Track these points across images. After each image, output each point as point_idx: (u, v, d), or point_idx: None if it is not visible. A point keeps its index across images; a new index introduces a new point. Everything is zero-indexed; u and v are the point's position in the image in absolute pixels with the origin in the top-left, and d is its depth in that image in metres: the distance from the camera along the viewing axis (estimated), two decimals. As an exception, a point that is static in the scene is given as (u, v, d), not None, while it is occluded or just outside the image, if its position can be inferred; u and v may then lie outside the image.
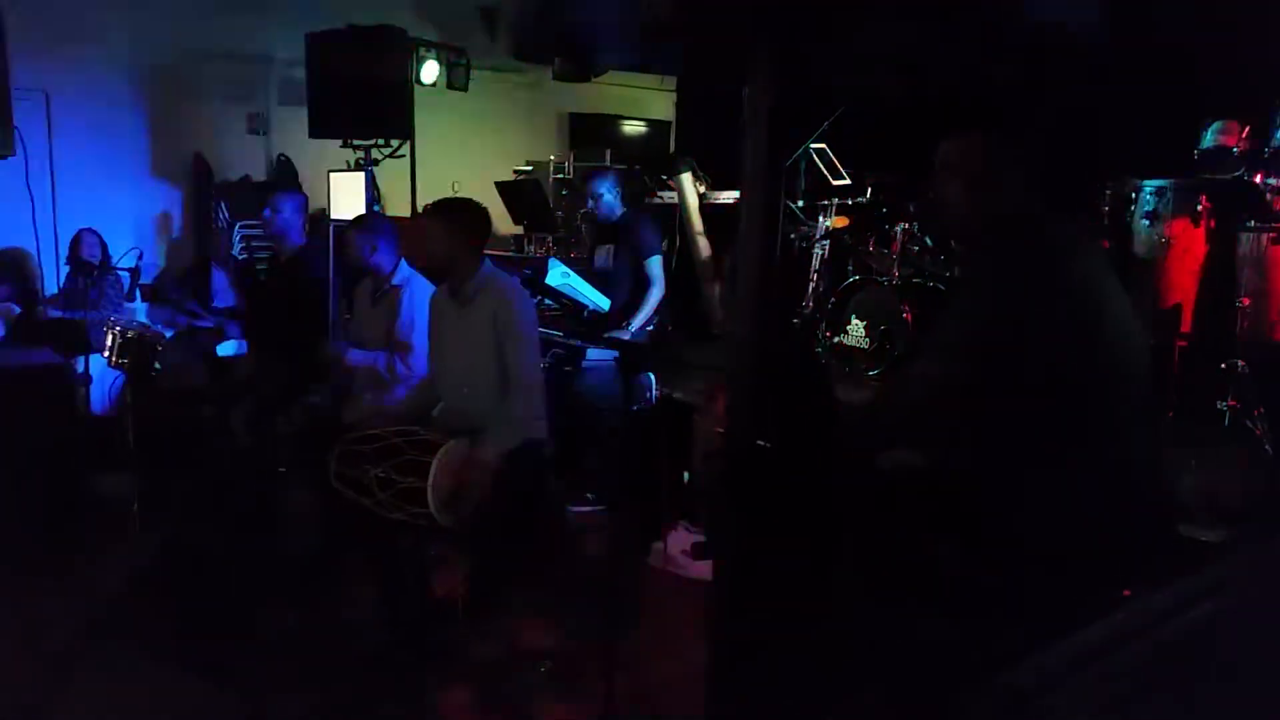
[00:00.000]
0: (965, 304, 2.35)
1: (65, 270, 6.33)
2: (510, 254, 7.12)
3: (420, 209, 7.25)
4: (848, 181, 5.29)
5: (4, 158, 4.21)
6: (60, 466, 4.68)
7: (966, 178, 2.36)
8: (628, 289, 5.03)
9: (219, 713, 3.04)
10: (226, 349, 5.99)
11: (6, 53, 4.33)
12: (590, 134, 9.05)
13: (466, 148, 8.20)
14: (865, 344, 4.73)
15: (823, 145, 5.34)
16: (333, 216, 5.31)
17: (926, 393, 2.18)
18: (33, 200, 5.02)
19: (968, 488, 2.01)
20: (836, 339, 4.84)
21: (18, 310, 6.16)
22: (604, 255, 5.21)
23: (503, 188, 7.20)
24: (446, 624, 3.38)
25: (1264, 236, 3.97)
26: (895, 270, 4.71)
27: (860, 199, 5.12)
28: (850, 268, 5.07)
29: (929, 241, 4.70)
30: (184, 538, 4.17)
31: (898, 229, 4.72)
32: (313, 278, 4.42)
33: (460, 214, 3.60)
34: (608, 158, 8.07)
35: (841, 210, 5.20)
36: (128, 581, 3.88)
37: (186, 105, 7.25)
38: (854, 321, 4.80)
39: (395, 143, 6.37)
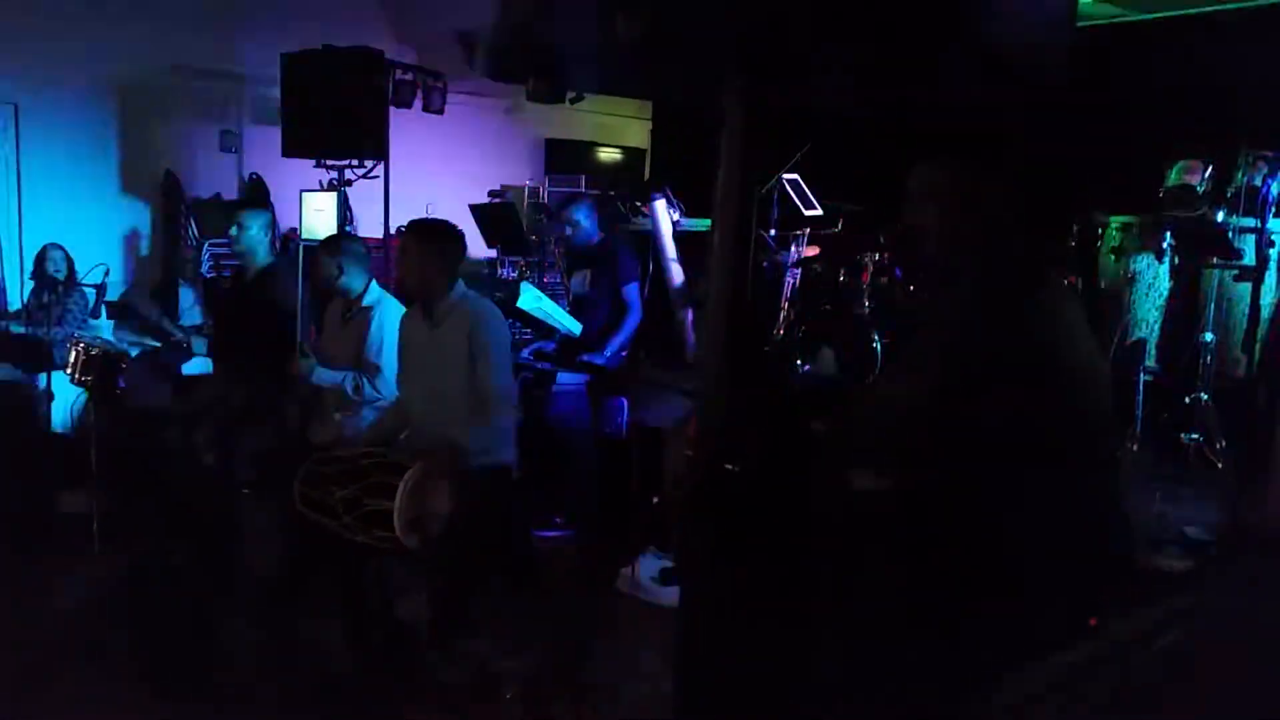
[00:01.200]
0: (933, 331, 2.36)
1: (30, 285, 6.23)
2: (483, 275, 7.11)
3: (394, 230, 7.23)
4: (819, 212, 5.34)
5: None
6: (20, 484, 4.61)
7: (936, 206, 2.38)
8: (605, 314, 5.02)
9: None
10: (191, 368, 5.92)
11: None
12: (566, 160, 9.08)
13: (441, 170, 8.20)
14: (835, 373, 4.76)
15: (795, 176, 5.40)
16: (304, 236, 5.27)
17: (889, 415, 2.19)
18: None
19: (930, 512, 2.02)
20: (807, 368, 4.87)
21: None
22: (580, 280, 5.21)
23: (477, 210, 7.19)
24: (411, 648, 3.34)
25: (1227, 274, 4.06)
26: (866, 300, 4.75)
27: (832, 229, 5.18)
28: (822, 297, 5.11)
29: (898, 273, 4.75)
30: (145, 557, 4.09)
31: (868, 259, 4.77)
32: (280, 297, 4.38)
33: (436, 235, 3.60)
34: (583, 183, 8.10)
35: (813, 240, 5.25)
36: (87, 601, 3.80)
37: (158, 122, 7.18)
38: (824, 351, 4.83)
39: (369, 164, 6.36)
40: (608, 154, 9.58)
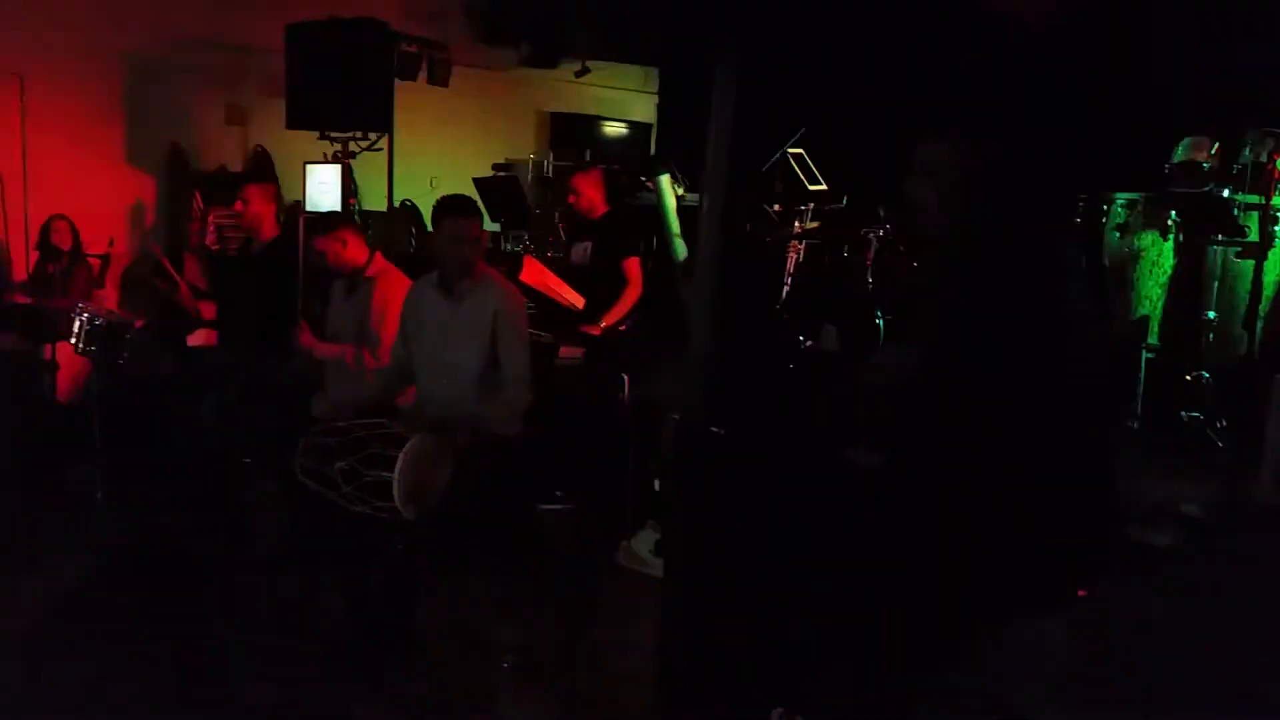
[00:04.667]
0: (934, 303, 2.36)
1: (35, 256, 6.25)
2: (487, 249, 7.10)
3: (397, 203, 7.23)
4: (823, 186, 5.31)
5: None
6: (25, 453, 4.65)
7: (940, 181, 2.37)
8: (605, 286, 5.02)
9: (182, 701, 3.01)
10: (195, 339, 5.94)
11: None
12: (570, 134, 9.04)
13: (445, 143, 8.18)
14: (837, 349, 4.75)
15: (800, 150, 5.37)
16: (307, 209, 5.28)
17: (886, 384, 2.19)
18: (3, 184, 4.97)
19: (925, 484, 2.02)
20: (810, 343, 4.86)
21: (-12, 296, 6.08)
22: (581, 251, 5.20)
23: (480, 184, 7.17)
24: (410, 617, 3.37)
25: (1230, 251, 4.03)
26: (869, 277, 4.73)
27: (836, 204, 5.15)
28: (824, 273, 5.09)
29: (902, 248, 4.73)
30: (150, 527, 4.12)
31: (872, 235, 4.75)
32: (284, 270, 4.39)
33: (473, 212, 3.69)
34: (587, 157, 8.07)
35: (817, 215, 5.23)
36: (92, 570, 3.84)
37: (164, 94, 7.17)
38: (827, 327, 4.82)
39: (373, 136, 6.34)
40: (613, 128, 9.54)
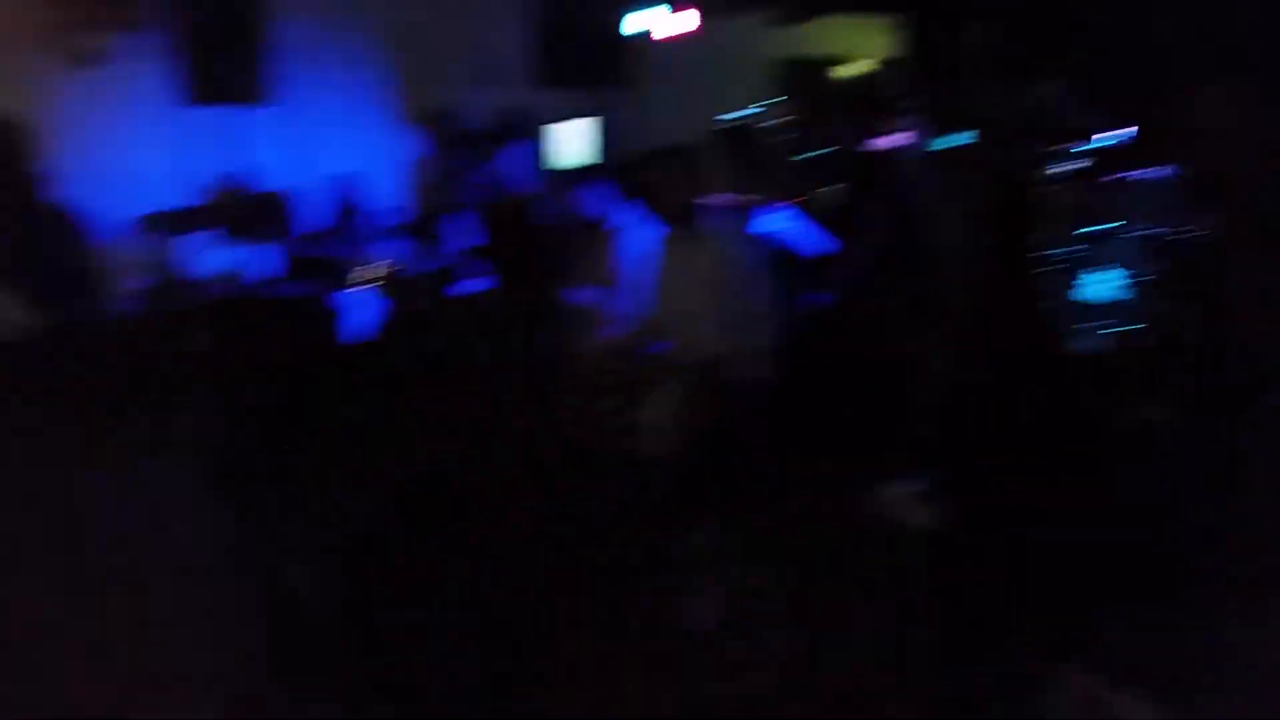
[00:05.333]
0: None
1: (326, 210, 6.89)
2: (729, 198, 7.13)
3: (644, 156, 7.38)
4: (1094, 123, 4.95)
5: (265, 105, 4.63)
6: (317, 388, 5.16)
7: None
8: (854, 233, 4.92)
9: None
10: (464, 288, 6.37)
11: (268, 7, 4.73)
12: (808, 79, 8.84)
13: (687, 95, 8.23)
14: (1112, 297, 4.45)
15: (1065, 84, 5.02)
16: (561, 164, 5.52)
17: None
18: (299, 145, 5.49)
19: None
20: (1077, 291, 4.58)
21: (282, 246, 6.77)
22: (827, 198, 5.14)
23: (717, 135, 7.20)
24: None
25: None
26: (1142, 219, 4.39)
27: (1107, 141, 4.79)
28: (1092, 216, 4.76)
29: (1182, 192, 4.34)
30: (431, 462, 4.51)
31: (1149, 175, 4.38)
32: (543, 222, 4.63)
33: (694, 160, 3.73)
34: (828, 103, 7.89)
35: (1087, 153, 4.88)
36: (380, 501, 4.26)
37: (438, 53, 7.60)
38: (1101, 273, 4.52)
39: (622, 90, 6.50)
40: (854, 70, 9.25)
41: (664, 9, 7.17)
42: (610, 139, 7.16)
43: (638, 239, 4.25)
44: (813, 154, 5.20)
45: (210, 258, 6.36)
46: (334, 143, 7.05)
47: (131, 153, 7.04)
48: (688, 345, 3.70)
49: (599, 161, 5.37)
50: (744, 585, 3.29)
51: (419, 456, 4.50)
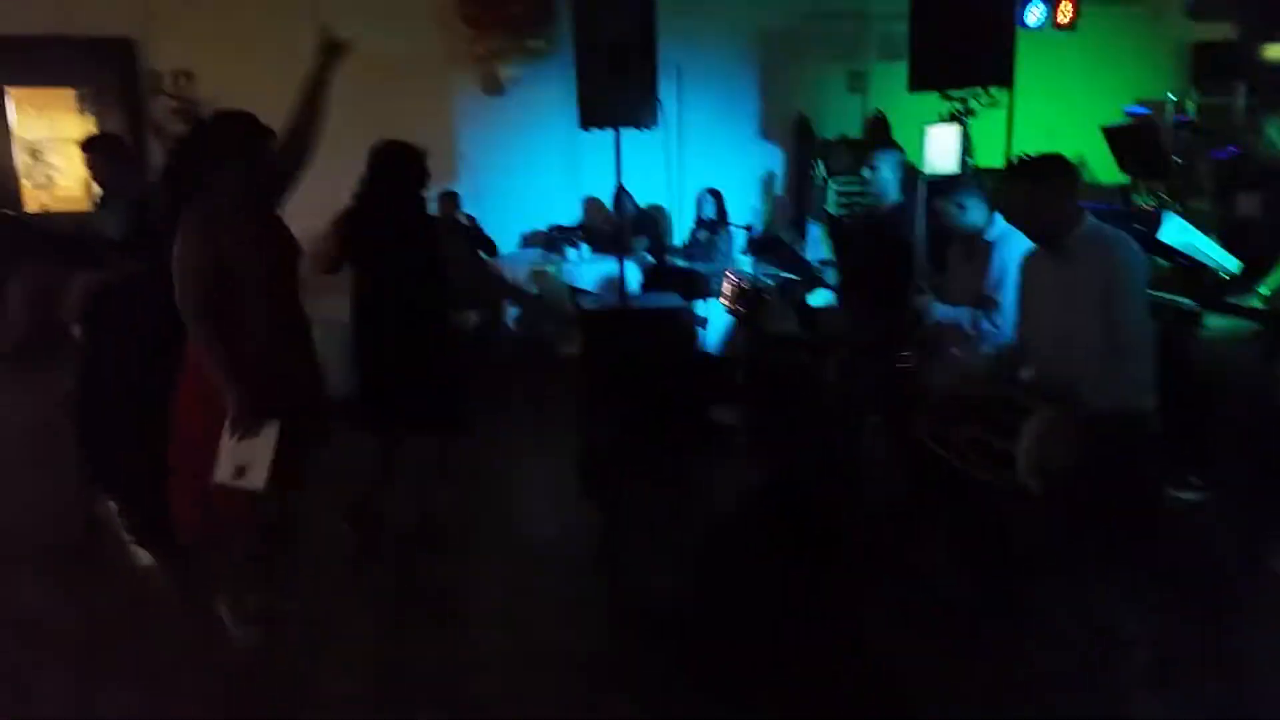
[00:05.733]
0: None
1: (689, 225, 7.24)
2: (1114, 207, 6.54)
3: (1010, 161, 6.96)
4: None
5: (650, 128, 4.96)
6: (679, 398, 5.42)
7: None
8: (1272, 247, 4.32)
9: (810, 621, 3.36)
10: (817, 299, 6.40)
11: (655, 35, 5.04)
12: (1219, 65, 7.86)
13: (1068, 91, 7.66)
14: None
15: None
16: (926, 171, 5.35)
17: None
18: (668, 164, 5.82)
19: None
20: None
21: (651, 260, 7.20)
22: (1250, 203, 4.53)
23: (1111, 133, 6.61)
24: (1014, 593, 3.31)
25: None
26: None
27: None
28: None
29: None
30: (783, 469, 4.60)
31: None
32: (905, 235, 4.52)
33: (1050, 171, 3.46)
34: (1241, 92, 6.97)
35: None
36: (735, 498, 4.39)
37: (792, 67, 7.76)
38: None
39: (993, 91, 6.17)
40: (1276, 52, 8.08)
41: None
42: (983, 144, 6.84)
43: (1010, 253, 4.02)
44: (1226, 154, 4.61)
45: (589, 270, 6.91)
46: (706, 158, 7.38)
47: (529, 173, 7.84)
48: (1061, 370, 3.44)
49: (970, 169, 5.13)
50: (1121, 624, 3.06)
51: (774, 469, 4.60)
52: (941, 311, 4.17)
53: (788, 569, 3.78)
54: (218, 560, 3.50)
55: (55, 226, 4.69)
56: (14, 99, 7.64)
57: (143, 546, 3.93)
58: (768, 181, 7.98)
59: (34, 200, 7.76)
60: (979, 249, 4.13)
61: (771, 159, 7.96)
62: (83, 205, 7.62)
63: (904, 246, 4.43)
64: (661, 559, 3.98)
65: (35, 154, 7.80)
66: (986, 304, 4.01)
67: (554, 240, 7.44)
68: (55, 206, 7.69)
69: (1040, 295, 3.55)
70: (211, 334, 3.01)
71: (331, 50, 3.29)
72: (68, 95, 7.77)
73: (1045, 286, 3.51)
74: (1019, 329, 3.69)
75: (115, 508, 4.10)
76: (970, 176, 4.54)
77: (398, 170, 3.97)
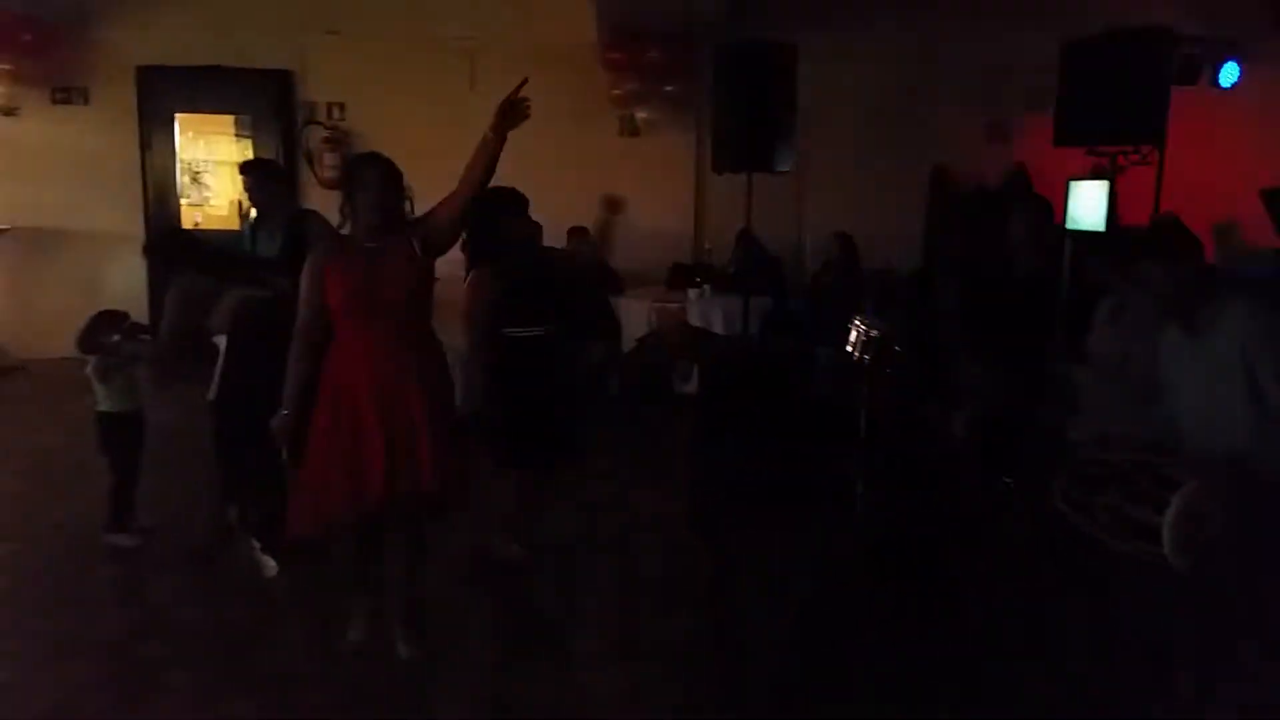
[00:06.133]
0: None
1: (815, 269, 7.17)
2: (1266, 272, 6.19)
3: (1154, 221, 6.68)
4: None
5: (789, 171, 4.96)
6: (796, 440, 5.33)
7: None
8: None
9: (921, 678, 3.27)
10: (945, 352, 6.22)
11: (795, 87, 5.08)
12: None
13: (1224, 152, 7.32)
14: None
15: None
16: (1069, 226, 5.17)
17: None
18: (801, 206, 5.80)
19: None
20: None
21: (772, 303, 7.16)
22: None
23: (1268, 196, 6.27)
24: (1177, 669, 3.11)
25: None
26: None
27: None
28: None
29: None
30: (903, 522, 4.46)
31: None
32: (1047, 290, 4.36)
33: (1176, 242, 3.30)
34: None
35: None
36: (850, 550, 4.30)
37: (931, 116, 7.66)
38: None
39: (1143, 149, 5.94)
40: None
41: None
42: (1128, 202, 6.58)
43: (1148, 315, 3.83)
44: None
45: (711, 310, 6.90)
46: (835, 203, 7.33)
47: (656, 213, 7.92)
48: (1210, 441, 3.24)
49: (1114, 227, 4.94)
50: None
51: (893, 522, 4.47)
52: (1082, 372, 4.01)
53: (903, 627, 3.67)
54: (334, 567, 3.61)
55: (213, 242, 4.92)
56: (180, 124, 8.14)
57: (266, 553, 4.08)
58: (900, 230, 7.86)
59: (188, 218, 8.23)
60: (1129, 306, 3.95)
61: (906, 207, 7.85)
62: (231, 223, 8.09)
63: (1045, 303, 4.27)
64: (769, 604, 3.91)
65: (194, 175, 8.28)
66: (1136, 368, 3.83)
67: (674, 280, 7.47)
68: (206, 224, 8.14)
69: (1180, 365, 3.36)
70: (298, 353, 3.26)
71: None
72: (226, 121, 8.26)
73: (1184, 356, 3.33)
74: (1163, 397, 3.50)
75: (239, 513, 4.27)
76: (1115, 233, 4.36)
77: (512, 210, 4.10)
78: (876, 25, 7.45)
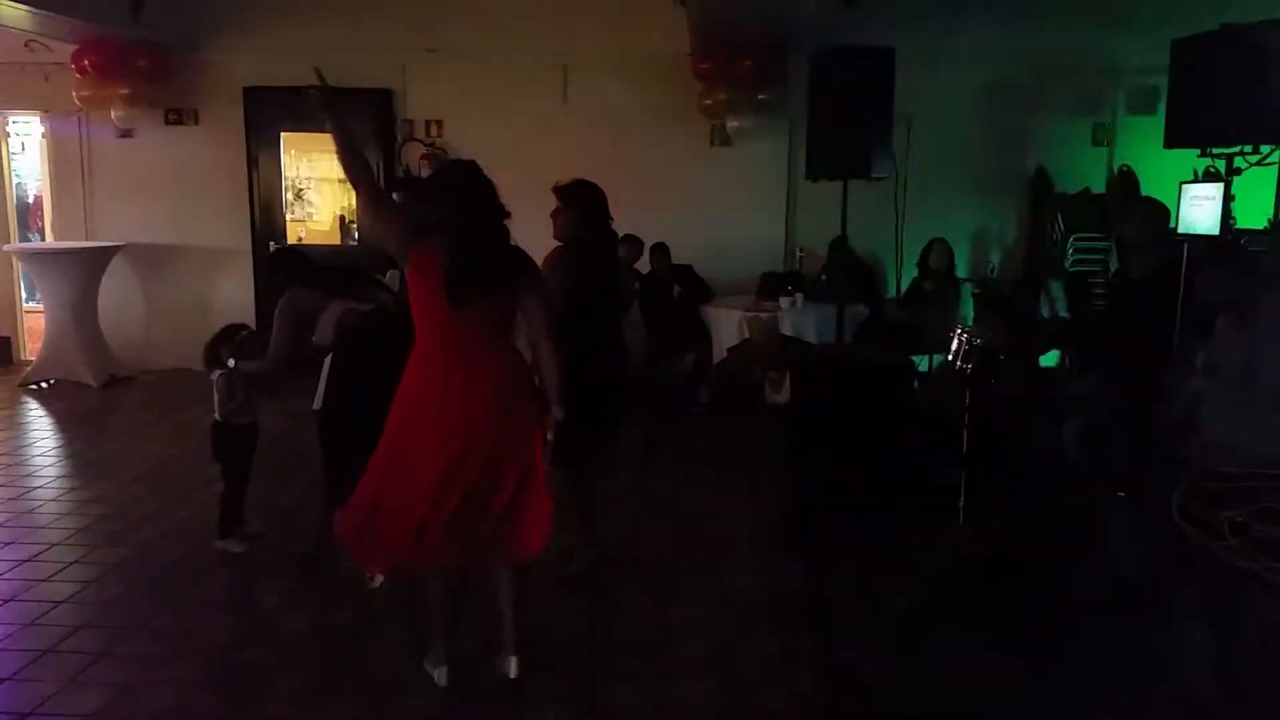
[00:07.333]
0: None
1: (909, 276, 7.02)
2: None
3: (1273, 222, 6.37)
4: None
5: (885, 177, 4.88)
6: (897, 456, 5.22)
7: None
8: None
9: (1027, 698, 3.17)
10: (1047, 360, 6.04)
11: (893, 91, 4.99)
12: None
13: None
14: None
15: None
16: (1180, 230, 4.96)
17: None
18: (897, 213, 5.70)
19: None
20: None
21: (868, 312, 7.04)
22: None
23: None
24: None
25: None
26: None
27: None
28: None
29: None
30: (1007, 536, 4.33)
31: None
32: (1160, 298, 4.19)
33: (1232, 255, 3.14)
34: None
35: None
36: (952, 564, 4.18)
37: (1031, 119, 7.47)
38: None
39: (1264, 149, 5.66)
40: None
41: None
42: (1247, 204, 6.29)
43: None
44: None
45: (804, 318, 6.82)
46: (933, 210, 7.17)
47: (749, 221, 7.89)
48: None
49: (1228, 231, 4.72)
50: None
51: (997, 536, 4.34)
52: (1196, 384, 3.84)
53: (1008, 646, 3.55)
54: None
55: (321, 257, 5.05)
56: (284, 142, 8.41)
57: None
58: (999, 233, 7.67)
59: (292, 233, 8.49)
60: (1249, 317, 3.77)
61: (1006, 211, 7.65)
62: (333, 238, 8.31)
63: (1159, 311, 4.10)
64: (867, 618, 3.82)
65: (298, 192, 8.54)
66: (1261, 376, 3.65)
67: (765, 289, 7.41)
68: (309, 239, 8.38)
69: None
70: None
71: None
72: (327, 139, 8.46)
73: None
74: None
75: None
76: (1227, 239, 4.17)
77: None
78: (974, 28, 7.29)
